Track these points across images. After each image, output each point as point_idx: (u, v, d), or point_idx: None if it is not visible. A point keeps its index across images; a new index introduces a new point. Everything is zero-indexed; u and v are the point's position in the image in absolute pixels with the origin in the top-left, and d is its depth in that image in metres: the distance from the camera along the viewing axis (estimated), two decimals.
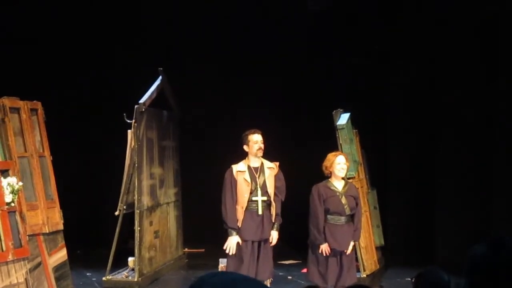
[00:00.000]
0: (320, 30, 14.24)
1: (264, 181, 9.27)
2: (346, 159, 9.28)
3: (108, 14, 14.11)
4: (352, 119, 11.88)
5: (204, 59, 14.62)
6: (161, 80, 12.32)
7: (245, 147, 9.35)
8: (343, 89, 13.73)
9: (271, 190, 9.29)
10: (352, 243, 9.25)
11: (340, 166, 9.09)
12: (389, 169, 14.18)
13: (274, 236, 9.35)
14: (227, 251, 9.26)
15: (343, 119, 11.66)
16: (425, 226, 13.58)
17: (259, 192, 9.20)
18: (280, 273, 11.92)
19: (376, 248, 12.55)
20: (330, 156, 9.27)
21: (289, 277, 12.04)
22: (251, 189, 9.18)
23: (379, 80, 14.16)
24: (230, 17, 14.32)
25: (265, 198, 9.25)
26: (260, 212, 9.21)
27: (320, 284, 9.07)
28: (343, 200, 9.08)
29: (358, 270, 11.40)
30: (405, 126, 13.89)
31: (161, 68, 12.25)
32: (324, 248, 9.02)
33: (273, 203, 9.30)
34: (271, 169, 9.39)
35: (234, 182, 9.21)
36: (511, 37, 12.32)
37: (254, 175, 9.23)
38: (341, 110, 11.74)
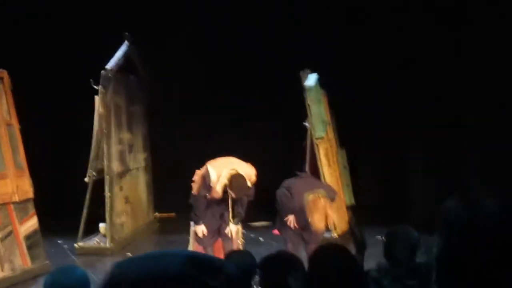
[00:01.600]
0: None
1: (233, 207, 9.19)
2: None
3: None
4: (320, 79, 11.90)
5: (172, 22, 14.53)
6: (128, 45, 12.23)
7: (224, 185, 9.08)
8: (310, 49, 13.72)
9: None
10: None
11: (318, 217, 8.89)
12: (359, 128, 14.24)
13: (233, 229, 9.26)
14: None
15: (311, 79, 11.66)
16: (395, 185, 13.68)
17: (229, 203, 9.12)
18: (251, 235, 11.98)
19: (347, 207, 12.63)
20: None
21: (261, 239, 12.10)
22: (220, 198, 9.03)
23: (347, 40, 14.16)
24: None
25: (234, 225, 9.23)
26: (229, 236, 9.19)
27: (289, 239, 9.11)
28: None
29: (329, 230, 11.48)
30: (375, 85, 13.92)
31: (128, 33, 12.16)
32: (291, 219, 9.00)
33: (237, 204, 9.21)
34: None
35: (210, 187, 9.00)
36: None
37: (226, 189, 9.02)
38: (309, 70, 11.74)
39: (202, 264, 1.62)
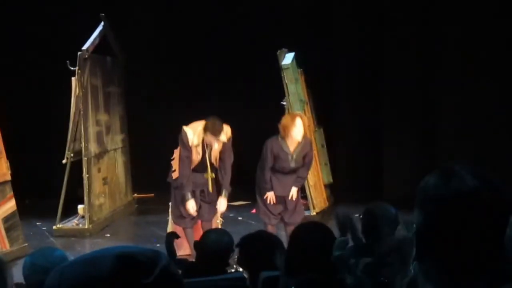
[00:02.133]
0: None
1: (212, 155, 9.20)
2: (303, 122, 9.16)
3: None
4: (297, 58, 11.90)
5: (149, 3, 14.49)
6: (104, 26, 12.17)
7: (205, 133, 9.08)
8: (287, 28, 13.72)
9: (216, 162, 9.24)
10: (294, 189, 9.29)
11: (298, 130, 9.01)
12: (336, 107, 14.27)
13: (222, 203, 9.30)
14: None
15: (288, 58, 11.66)
16: (373, 163, 13.74)
17: (208, 165, 9.17)
18: (230, 215, 12.00)
19: (325, 186, 12.68)
20: (287, 118, 9.18)
21: (240, 218, 12.14)
22: (200, 160, 9.11)
23: (324, 18, 14.15)
24: None
25: (212, 168, 9.25)
26: (206, 176, 9.21)
27: (267, 220, 9.22)
28: (292, 163, 9.13)
29: (308, 209, 11.53)
30: (352, 64, 13.93)
31: (103, 14, 12.10)
32: (270, 196, 9.12)
33: (220, 171, 9.26)
34: (222, 142, 9.17)
35: (189, 147, 9.07)
36: None
37: (205, 149, 9.11)
38: (286, 50, 11.74)
39: (133, 261, 1.58)
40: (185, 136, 9.00)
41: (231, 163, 9.30)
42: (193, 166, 9.13)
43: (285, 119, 9.19)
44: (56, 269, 1.64)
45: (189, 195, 9.11)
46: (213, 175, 9.29)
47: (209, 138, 8.91)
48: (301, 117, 9.30)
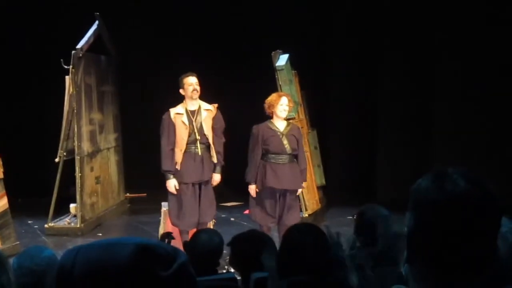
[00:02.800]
0: None
1: (201, 124, 9.24)
2: (289, 100, 9.24)
3: None
4: (291, 60, 11.90)
5: (144, 2, 14.48)
6: (98, 25, 12.17)
7: (181, 91, 9.33)
8: (282, 30, 13.72)
9: (208, 132, 9.27)
10: (303, 185, 9.36)
11: (282, 108, 9.05)
12: (329, 109, 14.28)
13: (215, 178, 9.39)
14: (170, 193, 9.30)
15: (282, 60, 11.67)
16: (366, 165, 13.75)
17: (197, 134, 9.20)
18: (222, 215, 12.00)
19: (318, 187, 12.68)
20: (273, 96, 9.24)
21: (232, 219, 12.13)
22: (189, 131, 9.17)
23: (319, 20, 14.16)
24: None
25: (203, 140, 9.26)
26: (200, 153, 9.22)
27: (263, 222, 9.14)
28: (284, 140, 9.06)
29: (300, 210, 11.53)
30: (346, 66, 13.95)
31: (98, 13, 12.09)
32: (252, 188, 9.07)
33: (212, 145, 9.30)
34: (208, 111, 9.36)
35: (172, 125, 9.18)
36: None
37: (191, 118, 9.20)
38: (280, 51, 11.74)
39: (153, 253, 1.58)
40: (166, 115, 9.30)
41: (223, 141, 9.45)
42: (185, 140, 9.19)
43: (270, 97, 9.20)
44: (72, 248, 1.63)
45: (169, 175, 9.19)
46: (203, 140, 9.35)
47: (186, 88, 9.15)
48: (287, 96, 9.32)
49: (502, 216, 1.99)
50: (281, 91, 11.17)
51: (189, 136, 9.19)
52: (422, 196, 1.97)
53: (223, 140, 9.50)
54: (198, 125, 9.23)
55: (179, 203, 9.25)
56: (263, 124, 9.16)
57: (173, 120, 9.18)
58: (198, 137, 9.20)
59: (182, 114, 9.21)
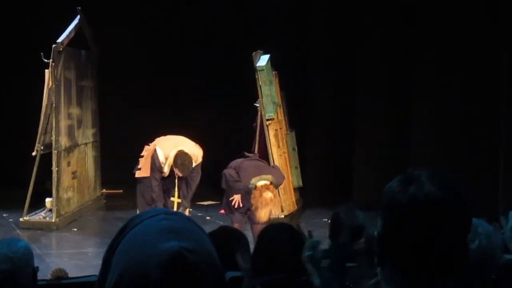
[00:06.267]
0: None
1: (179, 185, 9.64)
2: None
3: None
4: (271, 60, 11.92)
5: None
6: (79, 20, 12.13)
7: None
8: (263, 30, 13.74)
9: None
10: None
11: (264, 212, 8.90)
12: (308, 111, 14.29)
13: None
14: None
15: (263, 60, 11.68)
16: (343, 167, 13.76)
17: (176, 193, 9.57)
18: (198, 214, 12.00)
19: (294, 189, 12.70)
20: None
21: (208, 218, 12.13)
22: (167, 180, 9.53)
23: (299, 21, 14.19)
24: None
25: (179, 199, 9.63)
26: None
27: (233, 217, 9.14)
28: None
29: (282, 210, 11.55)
30: (325, 67, 13.96)
31: (80, 7, 12.06)
32: (237, 198, 9.01)
33: (185, 187, 9.70)
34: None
35: (160, 168, 9.42)
36: None
37: (173, 176, 9.52)
38: (261, 51, 11.76)
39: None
40: (157, 158, 9.43)
41: (197, 184, 9.64)
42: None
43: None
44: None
45: (158, 203, 9.46)
46: (179, 200, 9.64)
47: (176, 169, 9.31)
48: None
49: (471, 217, 2.01)
50: (261, 91, 11.18)
51: (167, 179, 9.58)
52: (389, 199, 1.99)
53: (197, 182, 9.80)
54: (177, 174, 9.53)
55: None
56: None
57: (161, 164, 9.43)
58: (175, 191, 9.61)
59: (165, 173, 9.47)
